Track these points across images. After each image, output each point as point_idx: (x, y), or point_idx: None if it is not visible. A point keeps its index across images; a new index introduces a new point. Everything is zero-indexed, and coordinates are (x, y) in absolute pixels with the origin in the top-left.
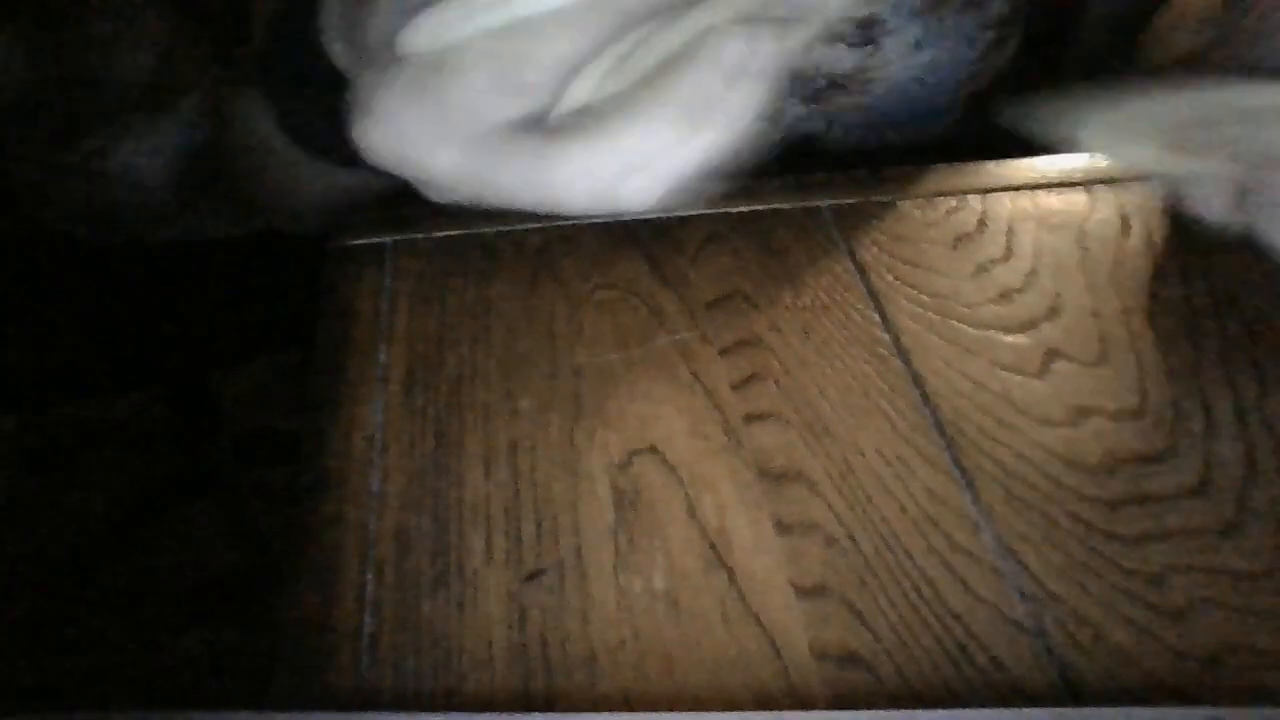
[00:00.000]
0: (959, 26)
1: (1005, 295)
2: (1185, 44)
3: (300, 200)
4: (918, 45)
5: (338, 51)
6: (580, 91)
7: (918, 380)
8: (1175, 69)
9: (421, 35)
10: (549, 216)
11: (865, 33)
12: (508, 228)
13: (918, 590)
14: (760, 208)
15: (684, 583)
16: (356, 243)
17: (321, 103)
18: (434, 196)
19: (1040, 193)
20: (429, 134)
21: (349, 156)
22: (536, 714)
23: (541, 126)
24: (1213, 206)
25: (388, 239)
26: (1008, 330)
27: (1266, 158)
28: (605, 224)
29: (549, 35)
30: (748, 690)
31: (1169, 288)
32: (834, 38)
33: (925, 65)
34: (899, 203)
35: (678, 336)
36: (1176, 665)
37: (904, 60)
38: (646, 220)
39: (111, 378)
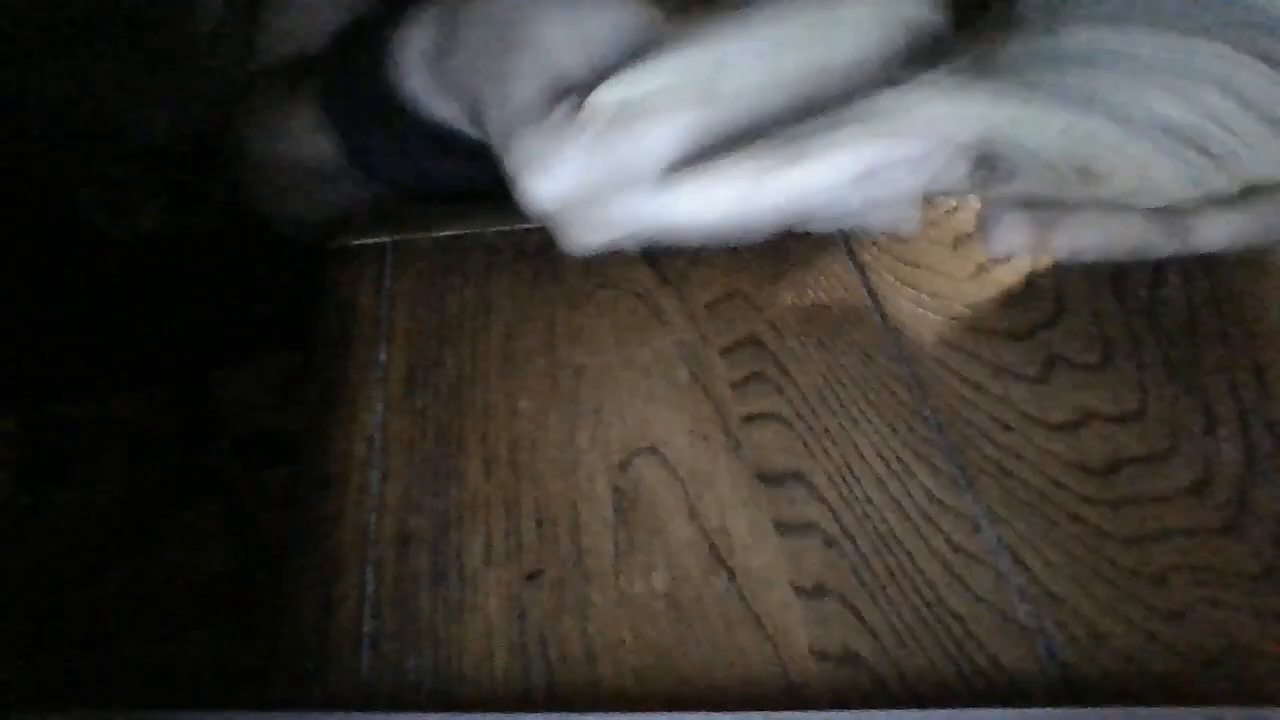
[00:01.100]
0: None
1: (1005, 296)
2: None
3: (332, 216)
4: None
5: (434, 103)
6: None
7: (918, 381)
8: None
9: (608, 94)
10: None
11: None
12: (508, 228)
13: (918, 590)
14: None
15: (684, 583)
16: (356, 243)
17: (393, 136)
18: (585, 239)
19: None
20: (613, 182)
21: (417, 188)
22: (536, 714)
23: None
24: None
25: (388, 239)
26: (1008, 331)
27: None
28: None
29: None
30: (748, 690)
31: (1169, 288)
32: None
33: None
34: None
35: (678, 337)
36: (1176, 665)
37: None
38: None
39: (111, 378)
